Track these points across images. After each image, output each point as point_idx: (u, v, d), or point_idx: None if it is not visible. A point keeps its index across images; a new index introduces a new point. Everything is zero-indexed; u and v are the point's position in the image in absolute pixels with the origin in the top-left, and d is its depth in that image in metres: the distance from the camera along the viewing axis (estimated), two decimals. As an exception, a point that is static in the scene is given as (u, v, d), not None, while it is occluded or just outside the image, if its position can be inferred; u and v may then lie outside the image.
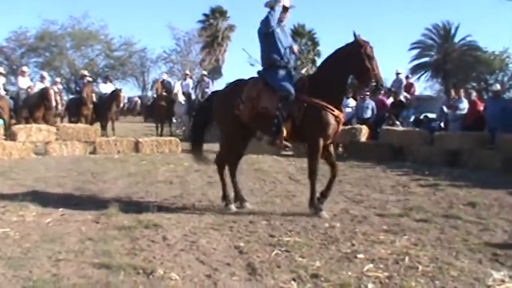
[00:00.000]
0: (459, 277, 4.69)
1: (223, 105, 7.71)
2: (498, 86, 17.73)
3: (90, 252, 5.36)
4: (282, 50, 7.40)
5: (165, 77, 24.73)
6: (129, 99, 38.96)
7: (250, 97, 7.32)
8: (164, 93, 21.34)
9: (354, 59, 7.05)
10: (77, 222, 6.60)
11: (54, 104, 17.20)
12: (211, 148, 9.34)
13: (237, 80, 8.03)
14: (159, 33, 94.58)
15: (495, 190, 9.25)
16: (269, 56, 7.40)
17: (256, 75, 7.59)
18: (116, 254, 5.24)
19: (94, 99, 19.51)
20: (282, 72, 7.35)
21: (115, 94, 19.79)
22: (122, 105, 20.50)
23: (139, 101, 36.31)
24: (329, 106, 7.07)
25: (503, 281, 4.59)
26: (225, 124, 7.81)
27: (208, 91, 19.81)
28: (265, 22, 7.34)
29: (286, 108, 7.08)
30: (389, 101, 18.37)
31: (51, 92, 17.28)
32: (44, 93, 17.12)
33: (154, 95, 23.88)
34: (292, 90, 7.10)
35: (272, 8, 7.36)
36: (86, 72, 22.05)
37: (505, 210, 7.66)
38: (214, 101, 8.04)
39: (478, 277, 4.68)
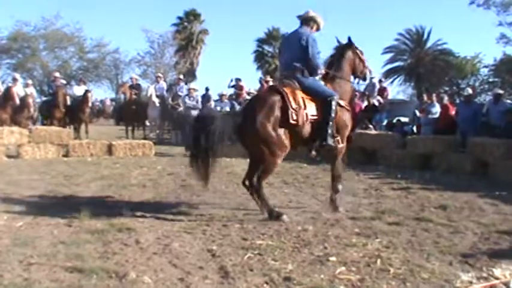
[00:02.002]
0: (430, 279, 4.76)
1: (269, 118, 7.01)
2: (470, 91, 17.98)
3: (62, 256, 5.31)
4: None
5: (134, 77, 24.53)
6: (102, 101, 38.76)
7: (299, 105, 7.20)
8: (134, 96, 21.24)
9: (355, 58, 8.19)
10: (49, 226, 6.54)
11: (18, 102, 17.08)
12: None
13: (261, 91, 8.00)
14: (134, 36, 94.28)
15: (466, 193, 9.38)
16: (317, 62, 7.68)
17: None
18: (88, 258, 5.22)
19: (68, 102, 19.36)
20: (317, 78, 7.76)
21: (84, 95, 19.68)
22: (90, 104, 20.29)
23: (108, 103, 36.16)
24: (348, 106, 7.87)
25: (470, 283, 4.67)
26: (273, 139, 7.04)
27: (182, 94, 19.76)
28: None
29: (334, 113, 7.43)
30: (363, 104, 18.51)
31: (13, 90, 17.17)
32: (6, 93, 17.01)
33: (122, 98, 23.59)
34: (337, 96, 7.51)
35: (308, 22, 7.77)
36: (57, 74, 21.90)
37: (475, 213, 7.78)
38: (252, 116, 7.05)
39: (448, 279, 4.75)
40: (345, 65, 8.05)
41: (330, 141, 7.43)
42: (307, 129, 7.34)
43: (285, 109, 7.05)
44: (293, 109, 7.08)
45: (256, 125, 6.97)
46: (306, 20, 7.76)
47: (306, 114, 7.23)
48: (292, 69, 7.55)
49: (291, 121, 7.06)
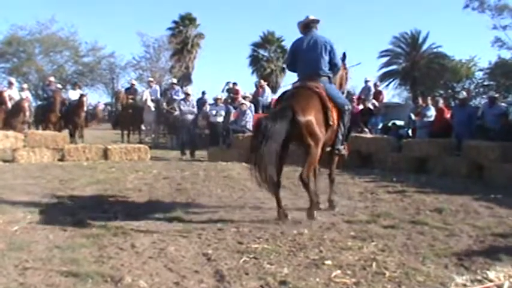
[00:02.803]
0: (425, 282, 4.74)
1: (317, 115, 7.15)
2: (465, 94, 18.03)
3: (58, 260, 5.29)
4: None
5: (133, 82, 24.61)
6: (95, 106, 38.85)
7: (331, 108, 7.41)
8: (131, 101, 21.24)
9: (343, 73, 8.67)
10: (44, 230, 6.52)
11: (9, 106, 17.09)
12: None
13: (297, 87, 7.93)
14: (129, 40, 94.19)
15: (461, 196, 9.39)
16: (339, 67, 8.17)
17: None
18: (83, 262, 5.20)
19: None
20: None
21: (79, 99, 19.66)
22: (85, 108, 20.30)
23: (100, 108, 36.21)
24: None
25: (465, 285, 4.67)
26: (320, 135, 7.15)
27: (177, 98, 19.75)
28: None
29: (348, 121, 7.87)
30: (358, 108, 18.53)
31: (5, 94, 17.16)
32: None
33: (118, 103, 23.55)
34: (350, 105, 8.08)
35: (313, 25, 8.01)
36: (52, 78, 21.91)
37: (470, 216, 7.77)
38: (303, 112, 6.99)
39: (443, 282, 4.73)
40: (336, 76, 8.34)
41: (341, 147, 7.83)
42: (329, 133, 7.49)
43: (324, 110, 7.25)
44: (330, 111, 7.33)
45: (307, 121, 6.98)
46: (312, 24, 7.94)
47: (334, 118, 7.46)
48: (319, 73, 7.70)
49: (330, 122, 7.32)
